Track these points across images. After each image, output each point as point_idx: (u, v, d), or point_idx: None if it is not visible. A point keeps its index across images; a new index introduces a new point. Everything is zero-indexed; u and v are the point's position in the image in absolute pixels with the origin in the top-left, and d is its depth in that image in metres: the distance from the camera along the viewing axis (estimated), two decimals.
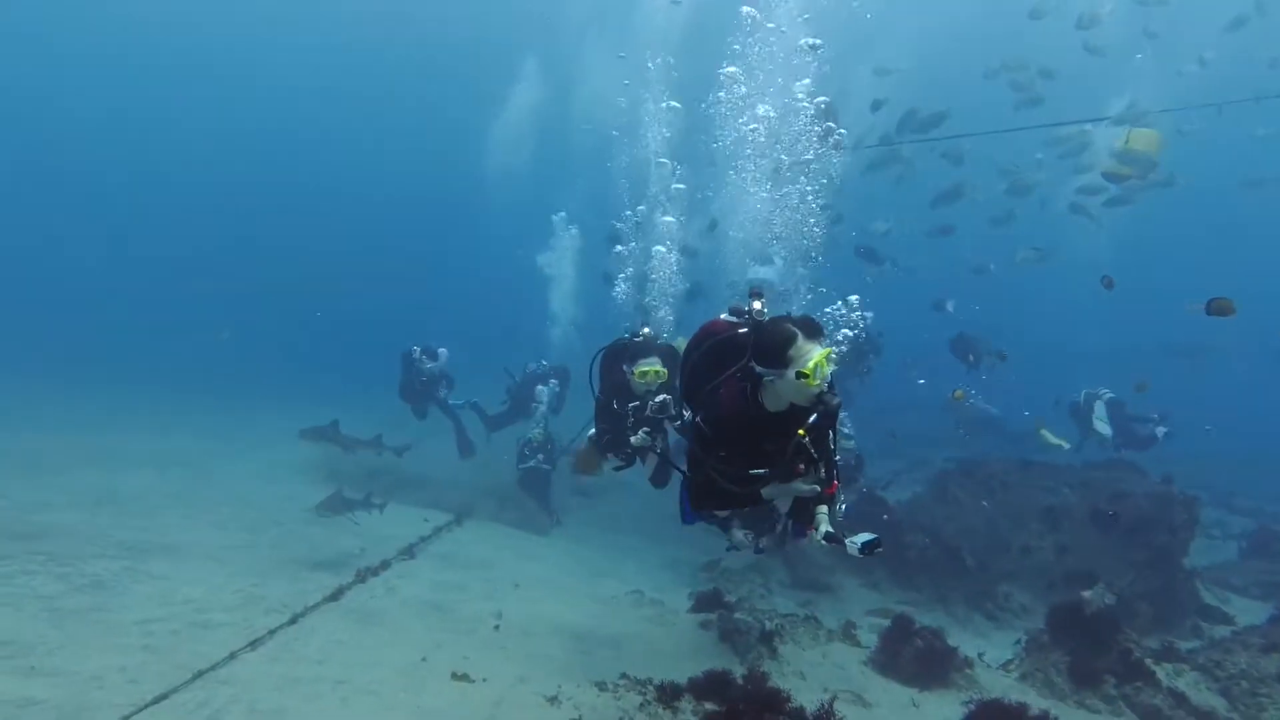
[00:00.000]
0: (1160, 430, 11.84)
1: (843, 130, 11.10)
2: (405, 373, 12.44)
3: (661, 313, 11.66)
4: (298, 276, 45.02)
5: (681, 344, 11.91)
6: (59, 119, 49.13)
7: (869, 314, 12.77)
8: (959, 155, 15.09)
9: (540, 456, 11.40)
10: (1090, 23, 14.23)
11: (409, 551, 8.32)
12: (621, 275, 11.75)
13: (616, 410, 6.15)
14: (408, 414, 13.01)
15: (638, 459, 6.45)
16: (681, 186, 11.71)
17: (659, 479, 6.59)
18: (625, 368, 6.18)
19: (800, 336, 3.79)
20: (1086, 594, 6.92)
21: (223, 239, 48.62)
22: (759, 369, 3.89)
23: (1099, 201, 14.09)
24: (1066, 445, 12.32)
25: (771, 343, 3.84)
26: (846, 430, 9.63)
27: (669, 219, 11.35)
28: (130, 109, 49.40)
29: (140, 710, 4.20)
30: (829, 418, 4.02)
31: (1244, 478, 16.34)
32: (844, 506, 4.22)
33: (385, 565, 7.66)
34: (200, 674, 4.73)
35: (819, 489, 4.12)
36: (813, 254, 10.38)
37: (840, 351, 4.34)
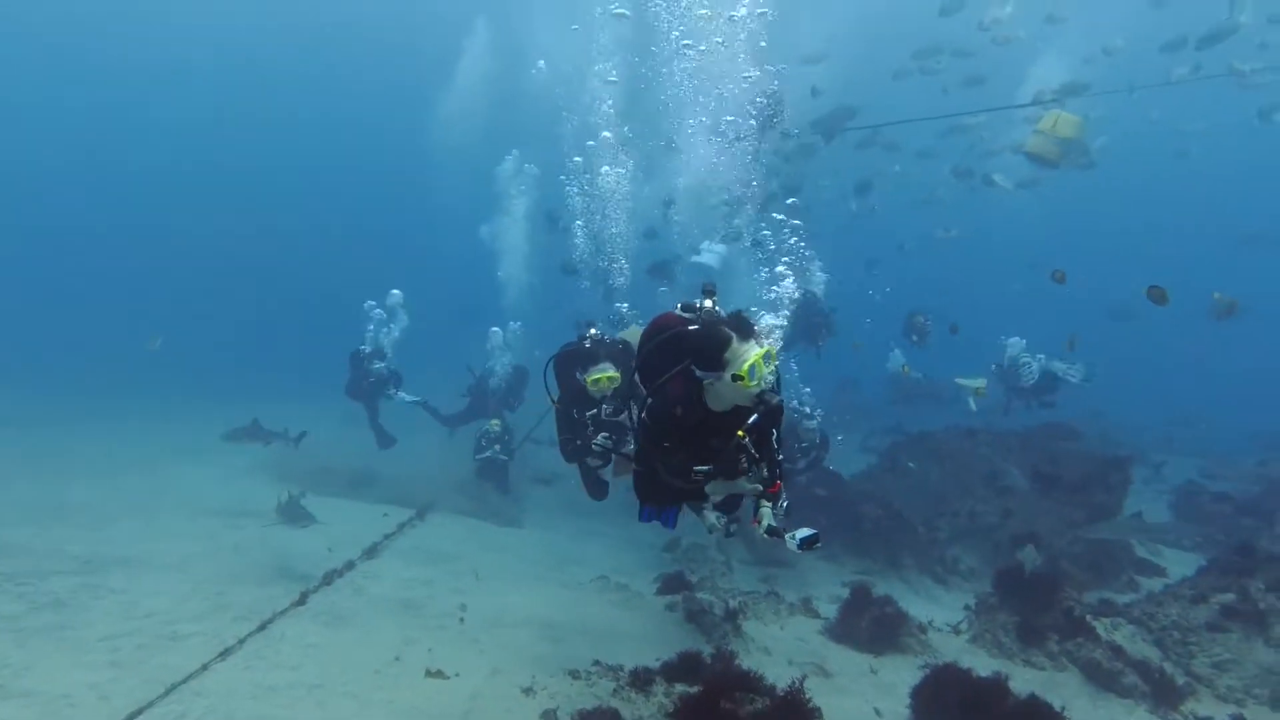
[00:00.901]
0: (1069, 375, 12.40)
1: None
2: (354, 371, 12.41)
3: (620, 280, 11.83)
4: (246, 263, 44.29)
5: (636, 333, 12.08)
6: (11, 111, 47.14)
7: (817, 290, 13.16)
8: (893, 143, 15.56)
9: (497, 447, 11.45)
10: (991, 25, 14.79)
11: (373, 550, 8.33)
12: (574, 225, 11.87)
13: (576, 418, 6.15)
14: (360, 409, 12.97)
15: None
16: (608, 135, 11.80)
17: (596, 490, 6.66)
18: (578, 375, 6.14)
19: (735, 339, 3.87)
20: (1019, 555, 7.30)
21: (162, 227, 47.44)
22: (698, 372, 3.97)
23: (1010, 182, 14.77)
24: (981, 382, 12.80)
25: (707, 346, 3.92)
26: (809, 410, 9.89)
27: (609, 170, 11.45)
28: (66, 94, 47.55)
29: None
30: (771, 418, 4.03)
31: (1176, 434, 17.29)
32: (785, 505, 4.29)
33: (350, 565, 7.68)
34: (173, 687, 4.74)
35: (760, 488, 4.20)
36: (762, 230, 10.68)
37: (780, 341, 4.41)
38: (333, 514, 9.69)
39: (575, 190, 12.14)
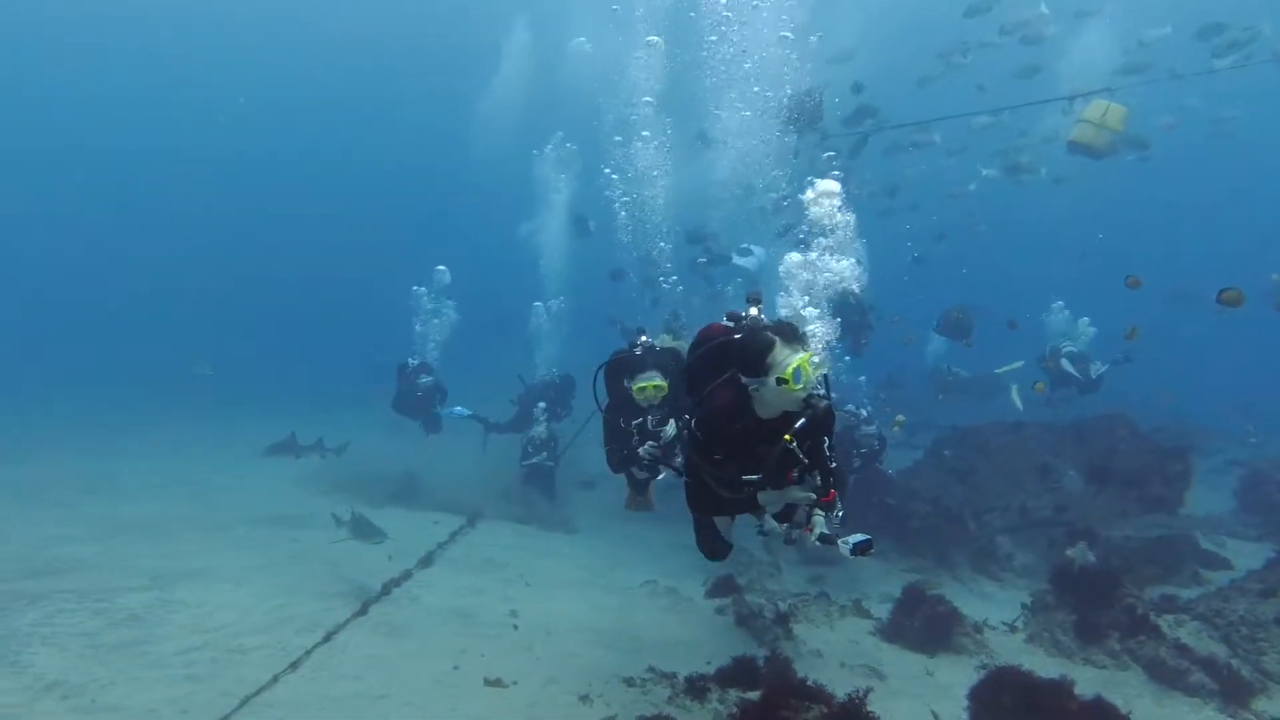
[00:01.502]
0: (1099, 369, 12.22)
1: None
2: (401, 385, 12.53)
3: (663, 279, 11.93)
4: (283, 276, 45.28)
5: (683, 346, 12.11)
6: (38, 116, 48.69)
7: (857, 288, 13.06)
8: (921, 143, 15.48)
9: (544, 454, 11.58)
10: (1015, 28, 14.60)
11: (427, 560, 8.51)
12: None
13: (624, 427, 6.04)
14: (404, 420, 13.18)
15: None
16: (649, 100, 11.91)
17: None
18: (625, 384, 6.06)
19: (778, 343, 3.85)
20: (1069, 552, 7.19)
21: (205, 240, 48.75)
22: (744, 378, 3.97)
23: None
24: (1019, 363, 12.66)
25: (751, 351, 3.91)
26: (865, 414, 9.82)
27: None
28: (103, 109, 48.84)
29: None
30: (820, 423, 4.01)
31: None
32: (841, 514, 4.22)
33: (407, 575, 7.86)
34: (246, 700, 4.92)
35: (814, 496, 4.13)
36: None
37: (828, 341, 4.38)
38: (384, 523, 9.90)
39: (616, 176, 12.32)
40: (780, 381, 3.80)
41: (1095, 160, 11.63)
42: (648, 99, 12.18)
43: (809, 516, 4.19)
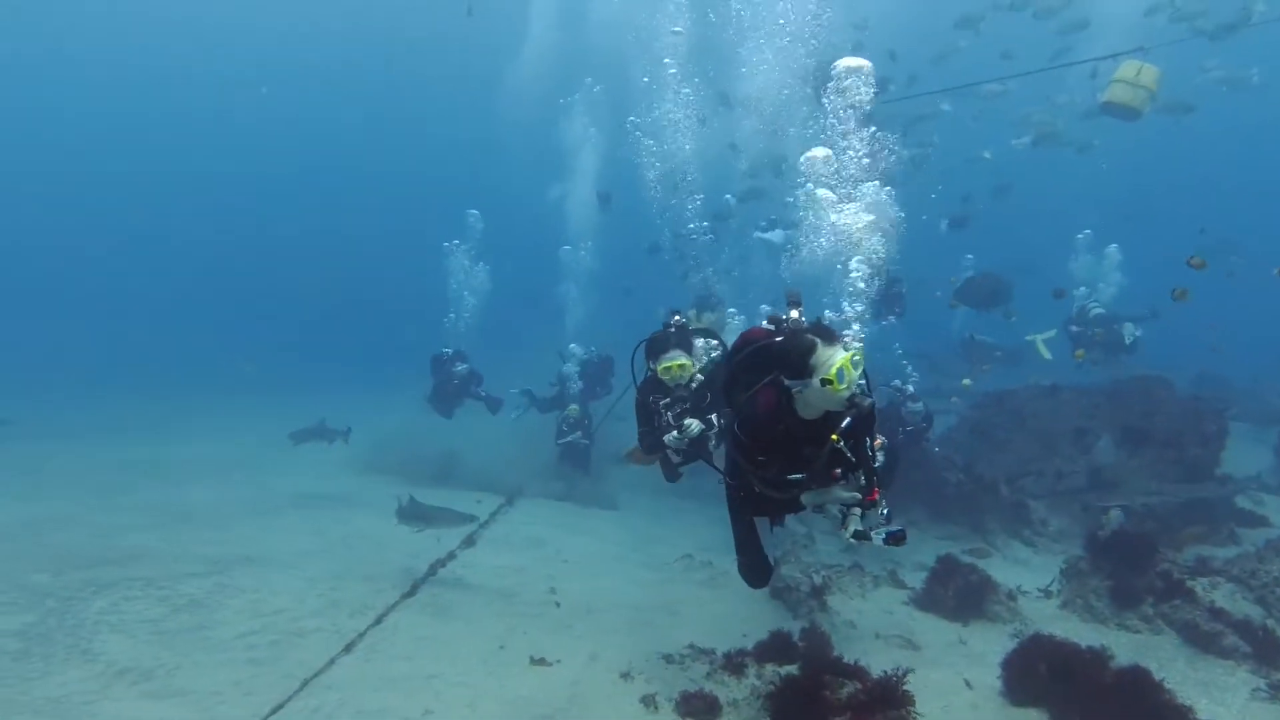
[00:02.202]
0: (1132, 333, 12.14)
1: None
2: (437, 375, 12.69)
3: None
4: (319, 264, 46.06)
5: (712, 321, 12.16)
6: (74, 124, 49.69)
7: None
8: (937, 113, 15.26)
9: (578, 433, 11.78)
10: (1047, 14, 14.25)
11: (470, 539, 8.76)
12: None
13: (652, 406, 6.08)
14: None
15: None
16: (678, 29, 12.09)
17: (673, 477, 6.53)
18: (649, 364, 6.05)
19: (820, 344, 3.91)
20: (1102, 519, 7.22)
21: (240, 230, 49.71)
22: (787, 381, 4.03)
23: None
24: (1052, 332, 12.64)
25: (794, 354, 3.97)
26: (910, 389, 9.86)
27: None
28: (139, 109, 49.69)
29: None
30: (863, 421, 4.06)
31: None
32: (886, 512, 4.24)
33: (451, 556, 8.13)
34: (306, 682, 5.18)
35: (859, 496, 4.17)
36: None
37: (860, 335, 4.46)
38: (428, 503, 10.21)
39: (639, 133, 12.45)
40: (824, 382, 3.85)
41: (1131, 121, 11.39)
42: (676, 29, 12.23)
43: (845, 515, 4.24)
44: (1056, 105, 16.83)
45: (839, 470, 4.15)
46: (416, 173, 52.08)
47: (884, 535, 4.03)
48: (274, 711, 4.79)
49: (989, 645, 6.41)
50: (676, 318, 6.20)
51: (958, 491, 10.03)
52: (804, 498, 4.25)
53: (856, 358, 3.90)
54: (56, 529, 8.56)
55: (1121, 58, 10.88)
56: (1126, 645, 6.27)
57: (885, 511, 4.23)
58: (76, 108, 49.86)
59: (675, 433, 5.74)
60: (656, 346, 6.01)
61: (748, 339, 4.58)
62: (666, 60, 12.36)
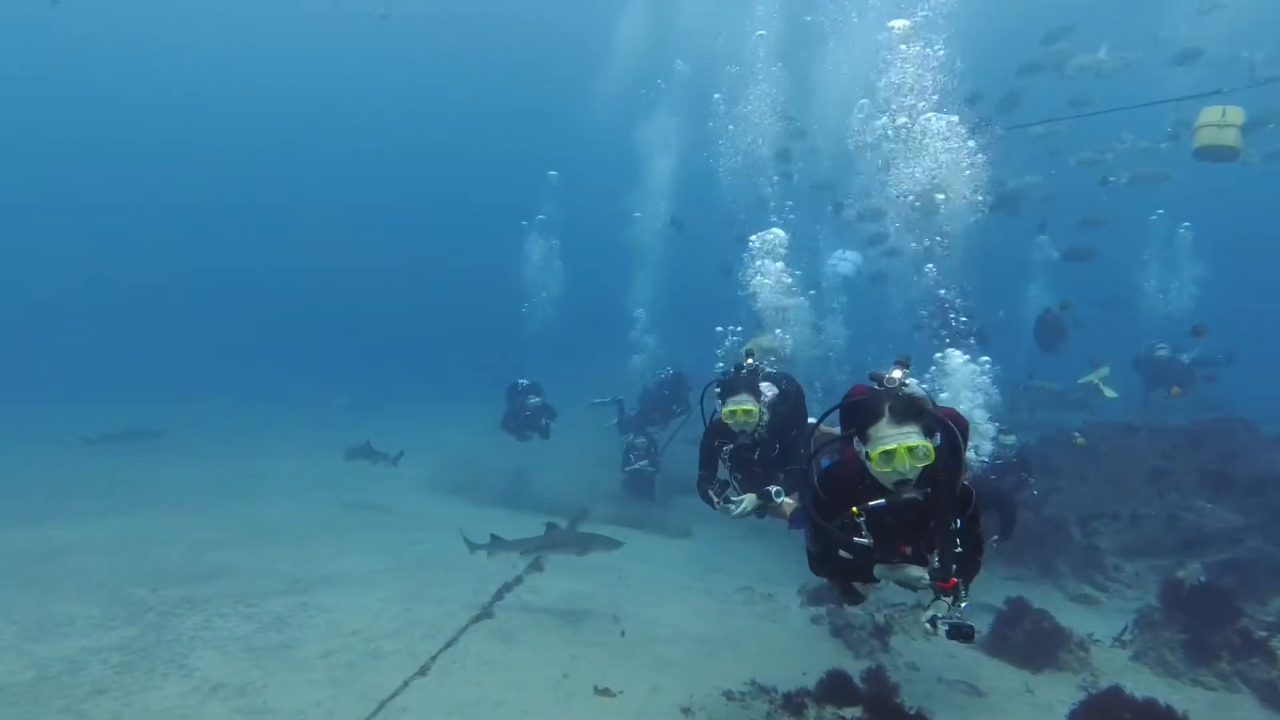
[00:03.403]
0: (1186, 358, 11.99)
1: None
2: (510, 404, 13.00)
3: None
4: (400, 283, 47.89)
5: (767, 340, 12.25)
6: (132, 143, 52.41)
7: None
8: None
9: (645, 462, 11.98)
10: (1076, 72, 14.19)
11: (537, 564, 9.01)
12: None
13: (716, 448, 5.85)
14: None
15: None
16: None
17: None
18: (716, 406, 5.76)
19: (884, 419, 3.64)
20: (1180, 574, 7.04)
21: (318, 245, 51.92)
22: (856, 439, 3.82)
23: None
24: (1114, 394, 12.32)
25: (860, 415, 3.77)
26: (1003, 425, 9.38)
27: None
28: (191, 128, 52.05)
29: None
30: (900, 511, 3.73)
31: None
32: (966, 605, 3.92)
33: (518, 580, 8.38)
34: (383, 704, 5.47)
35: (927, 579, 3.87)
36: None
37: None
38: (495, 525, 10.50)
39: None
40: (868, 458, 3.67)
41: (1230, 160, 11.20)
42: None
43: (931, 599, 3.97)
44: (1122, 144, 16.62)
45: (907, 548, 3.91)
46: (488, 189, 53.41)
47: (947, 628, 3.80)
48: None
49: (1057, 695, 6.33)
50: (750, 360, 5.94)
51: (1026, 531, 9.82)
52: (876, 569, 4.04)
53: (922, 448, 3.58)
54: (155, 544, 9.14)
55: (1199, 100, 10.72)
56: (1201, 702, 6.13)
57: (965, 604, 3.92)
58: (184, 138, 52.72)
59: (720, 506, 5.60)
60: (726, 387, 5.74)
61: (851, 392, 4.36)
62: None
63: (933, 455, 3.62)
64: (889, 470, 3.62)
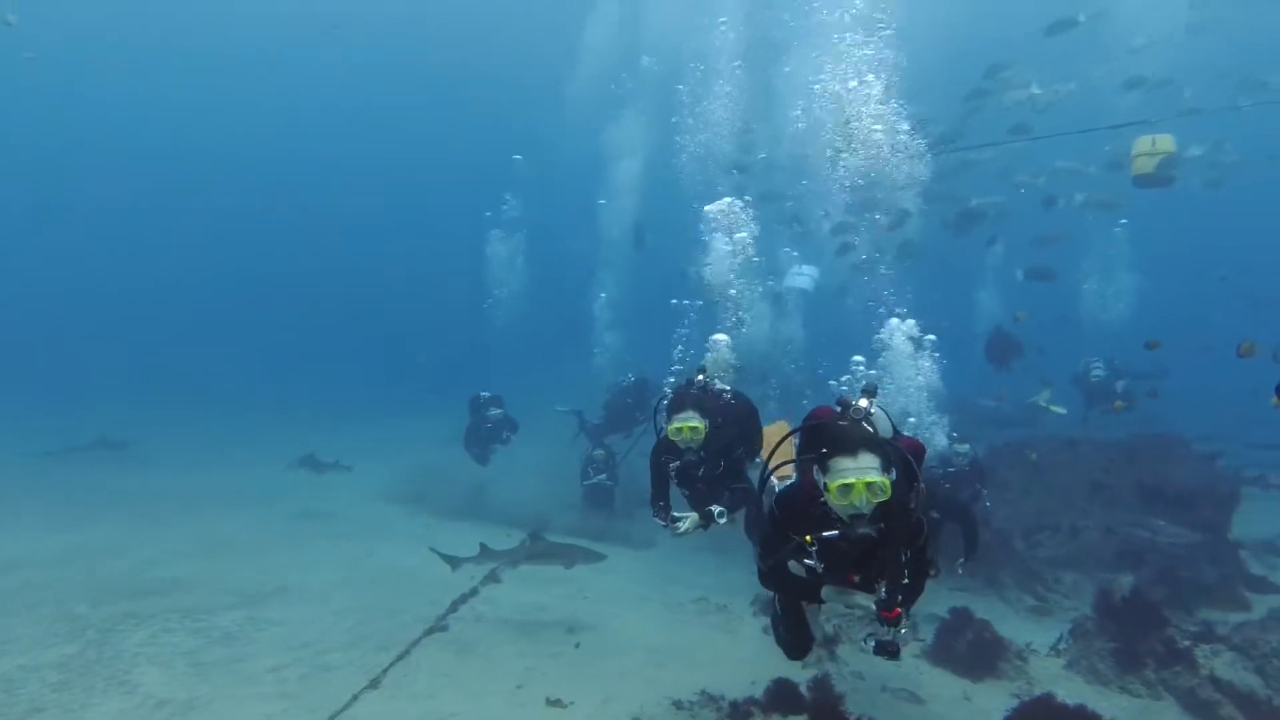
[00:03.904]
0: (1119, 385, 12.64)
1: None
2: (472, 416, 12.96)
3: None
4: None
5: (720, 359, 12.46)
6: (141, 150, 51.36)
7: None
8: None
9: (603, 476, 12.05)
10: (1013, 105, 14.89)
11: (493, 575, 9.04)
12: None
13: (664, 464, 5.81)
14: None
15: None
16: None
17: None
18: (663, 423, 5.72)
19: (842, 452, 3.65)
20: (1111, 585, 7.35)
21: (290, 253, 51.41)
22: (816, 467, 3.81)
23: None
24: (1062, 410, 12.80)
25: (819, 444, 3.78)
26: (956, 434, 9.49)
27: None
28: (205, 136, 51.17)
29: None
30: (854, 544, 3.71)
31: None
32: (905, 633, 3.99)
33: (474, 592, 8.42)
34: (334, 717, 5.49)
35: (873, 607, 3.92)
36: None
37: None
38: (455, 536, 10.54)
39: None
40: (827, 489, 3.70)
41: (1167, 186, 11.75)
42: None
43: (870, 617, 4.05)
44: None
45: (858, 575, 3.95)
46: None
47: (874, 644, 3.95)
48: None
49: (994, 702, 6.55)
50: (701, 376, 5.96)
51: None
52: (823, 591, 4.10)
53: (880, 484, 3.60)
54: (102, 558, 9.00)
55: (1135, 128, 11.26)
56: (1127, 709, 6.41)
57: (904, 633, 4.00)
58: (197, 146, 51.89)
59: (667, 526, 5.63)
60: (672, 404, 5.72)
61: (811, 415, 4.42)
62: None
63: (889, 491, 3.64)
64: (845, 503, 3.63)
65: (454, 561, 8.31)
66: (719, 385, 6.14)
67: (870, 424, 4.03)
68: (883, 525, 3.73)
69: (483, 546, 8.21)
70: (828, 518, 3.80)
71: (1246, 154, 17.16)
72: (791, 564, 4.07)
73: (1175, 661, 6.64)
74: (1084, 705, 5.67)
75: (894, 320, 9.66)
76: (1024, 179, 17.10)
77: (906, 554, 3.92)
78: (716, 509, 5.60)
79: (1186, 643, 6.82)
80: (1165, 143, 10.95)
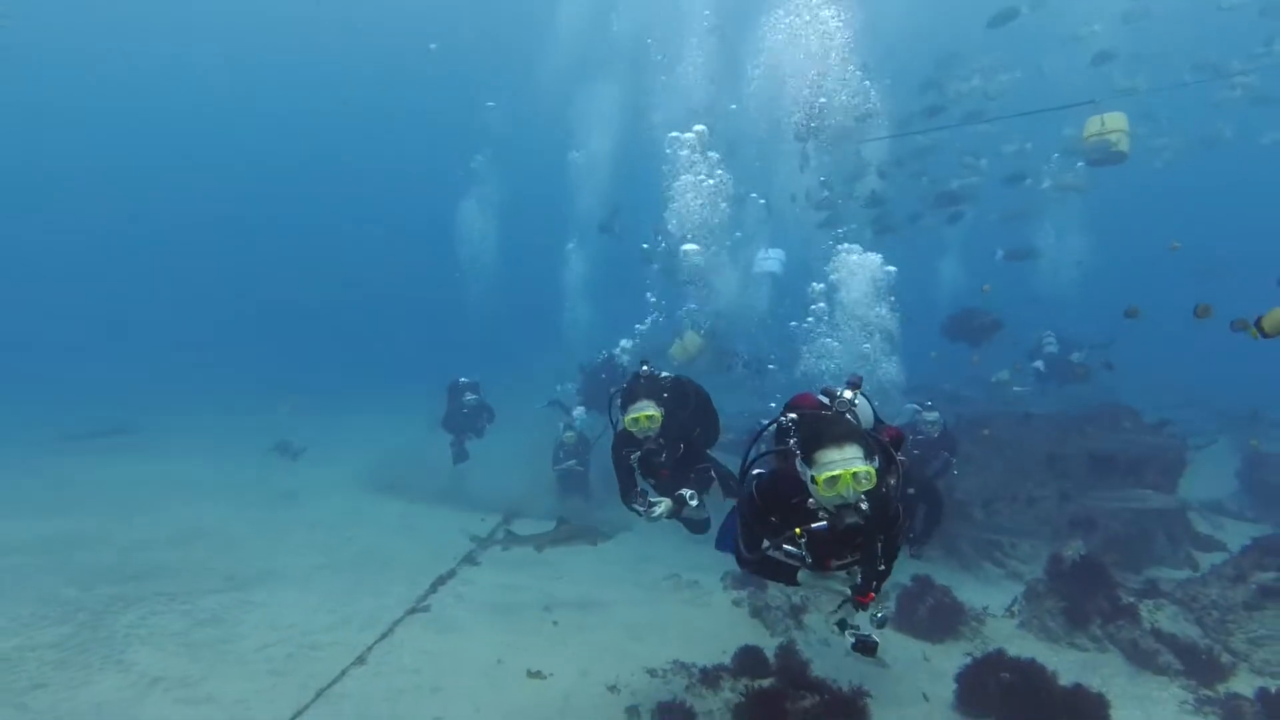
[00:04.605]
0: (1075, 356, 13.23)
1: None
2: (450, 402, 13.13)
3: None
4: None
5: (693, 340, 12.78)
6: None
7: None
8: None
9: (573, 461, 12.28)
10: (958, 97, 15.41)
11: (470, 557, 9.29)
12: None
13: (625, 456, 5.90)
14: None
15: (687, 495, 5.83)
16: None
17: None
18: (618, 414, 5.83)
19: (829, 443, 3.68)
20: (1065, 551, 7.77)
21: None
22: (799, 458, 3.85)
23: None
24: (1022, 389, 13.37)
25: (804, 437, 3.81)
26: (929, 403, 9.82)
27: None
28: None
29: None
30: (842, 535, 3.74)
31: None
32: (881, 617, 4.15)
33: (452, 573, 8.67)
34: (321, 692, 5.72)
35: (849, 592, 4.03)
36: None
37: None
38: (433, 522, 10.77)
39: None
40: (813, 481, 3.71)
41: (1119, 163, 12.13)
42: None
43: (840, 605, 4.19)
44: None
45: (835, 561, 4.03)
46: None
47: (854, 640, 4.05)
48: (295, 717, 5.32)
49: (950, 662, 6.92)
50: (645, 367, 6.05)
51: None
52: (799, 575, 4.16)
53: (866, 473, 3.63)
54: (84, 545, 9.11)
55: (1075, 109, 11.66)
56: (1074, 662, 6.83)
57: (880, 615, 4.15)
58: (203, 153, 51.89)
59: (643, 513, 5.73)
60: (626, 396, 5.81)
61: (793, 404, 4.43)
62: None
63: (875, 479, 3.68)
64: (832, 494, 3.64)
65: (483, 544, 8.55)
66: (664, 373, 6.20)
67: (854, 416, 4.20)
68: (867, 513, 3.75)
69: (508, 533, 8.49)
70: (809, 508, 3.83)
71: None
72: (770, 550, 4.11)
73: (1120, 616, 7.08)
74: (1033, 659, 6.07)
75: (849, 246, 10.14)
76: (969, 160, 17.59)
77: (881, 538, 3.99)
78: (687, 492, 5.76)
79: (1131, 599, 7.26)
80: (1115, 120, 11.30)
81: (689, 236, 12.51)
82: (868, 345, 10.48)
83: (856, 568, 4.09)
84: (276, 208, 55.73)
